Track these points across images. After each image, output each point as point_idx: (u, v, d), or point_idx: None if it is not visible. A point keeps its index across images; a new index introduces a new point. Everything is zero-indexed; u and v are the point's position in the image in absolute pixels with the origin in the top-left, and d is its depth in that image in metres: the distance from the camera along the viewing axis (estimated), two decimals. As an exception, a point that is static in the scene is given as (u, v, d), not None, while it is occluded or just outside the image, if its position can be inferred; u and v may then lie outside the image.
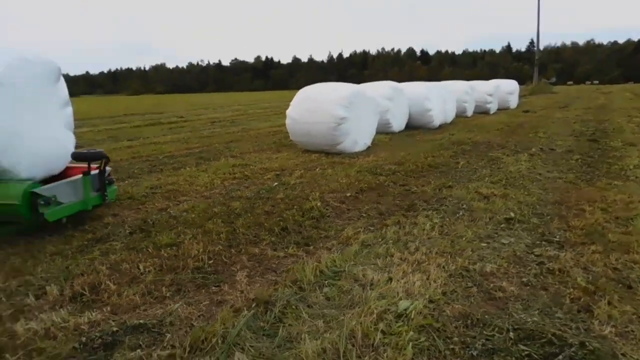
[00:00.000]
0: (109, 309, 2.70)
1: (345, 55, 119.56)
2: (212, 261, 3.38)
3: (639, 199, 4.79)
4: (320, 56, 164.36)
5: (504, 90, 18.67)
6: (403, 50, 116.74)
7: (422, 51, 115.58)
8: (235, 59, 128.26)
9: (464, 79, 19.00)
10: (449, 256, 3.32)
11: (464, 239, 3.68)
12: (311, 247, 3.62)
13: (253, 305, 2.63)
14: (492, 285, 2.93)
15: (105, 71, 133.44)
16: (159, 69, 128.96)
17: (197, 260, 3.37)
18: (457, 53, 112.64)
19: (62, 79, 4.63)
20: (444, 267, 3.14)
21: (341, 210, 4.61)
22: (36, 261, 3.43)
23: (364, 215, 4.42)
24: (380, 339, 2.28)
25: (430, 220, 4.12)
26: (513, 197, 4.88)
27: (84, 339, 2.36)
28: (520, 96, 22.61)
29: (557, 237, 3.79)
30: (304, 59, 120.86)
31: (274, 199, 5.03)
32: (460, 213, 4.36)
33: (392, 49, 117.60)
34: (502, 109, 18.57)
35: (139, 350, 2.25)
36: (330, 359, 2.14)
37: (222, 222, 4.22)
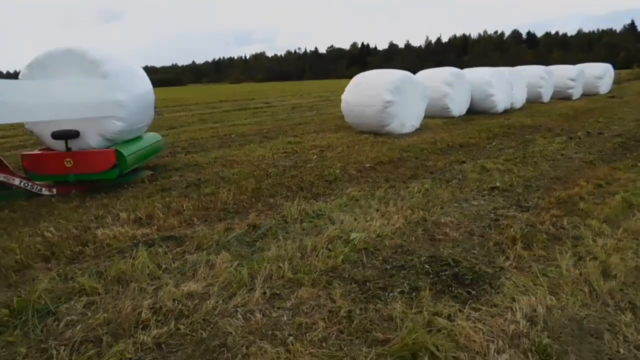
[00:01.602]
0: (155, 227, 3.91)
1: (444, 39, 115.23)
2: (236, 205, 4.48)
3: (642, 177, 5.05)
4: (418, 41, 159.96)
5: (590, 75, 17.73)
6: (507, 33, 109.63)
7: (529, 33, 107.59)
8: (332, 46, 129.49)
9: (575, 62, 18.49)
10: (417, 210, 4.09)
11: (440, 199, 4.40)
12: (313, 200, 4.57)
13: (246, 228, 3.67)
14: (438, 231, 3.67)
15: (210, 61, 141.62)
16: (259, 58, 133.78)
17: (225, 204, 4.49)
18: (569, 34, 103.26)
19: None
20: (406, 217, 3.92)
21: (354, 176, 5.48)
22: (118, 200, 4.78)
23: (370, 180, 5.25)
24: (322, 251, 3.19)
25: (422, 186, 4.85)
26: (514, 172, 5.39)
27: (135, 240, 3.57)
28: (617, 82, 21.12)
29: (529, 203, 4.34)
30: (401, 45, 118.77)
31: (304, 167, 6.03)
32: (453, 181, 5.02)
33: (496, 32, 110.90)
34: (589, 95, 17.67)
35: (165, 248, 3.40)
36: (282, 258, 3.10)
37: (255, 181, 5.32)
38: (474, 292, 2.72)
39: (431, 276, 2.89)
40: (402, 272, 2.98)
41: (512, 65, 16.50)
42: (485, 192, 4.68)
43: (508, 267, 3.06)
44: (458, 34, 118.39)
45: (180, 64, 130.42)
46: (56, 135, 5.15)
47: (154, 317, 2.49)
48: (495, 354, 2.15)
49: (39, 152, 5.37)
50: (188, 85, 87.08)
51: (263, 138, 9.47)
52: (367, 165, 6.00)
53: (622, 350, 2.18)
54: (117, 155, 5.19)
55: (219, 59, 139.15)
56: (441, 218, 3.92)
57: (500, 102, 12.42)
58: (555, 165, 5.74)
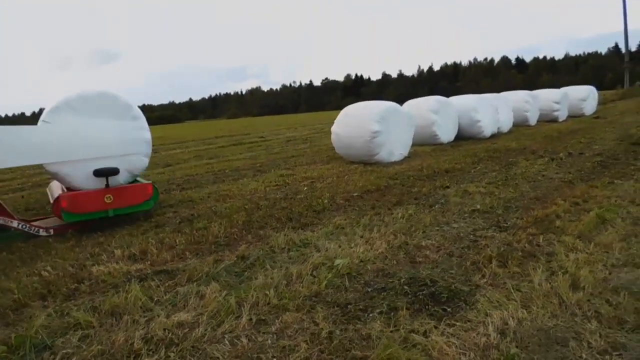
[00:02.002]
0: (148, 262, 4.06)
1: (436, 68, 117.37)
2: (227, 238, 4.64)
3: (620, 194, 5.25)
4: (410, 70, 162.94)
5: (574, 97, 18.22)
6: (497, 59, 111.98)
7: (518, 59, 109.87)
8: (326, 78, 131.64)
9: (563, 85, 19.39)
10: (399, 235, 4.26)
11: (422, 224, 4.58)
12: (301, 230, 4.74)
13: (235, 259, 3.82)
14: (419, 254, 3.84)
15: (206, 97, 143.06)
16: (255, 92, 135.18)
17: (217, 237, 4.66)
18: (557, 58, 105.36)
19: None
20: (389, 242, 4.09)
21: (342, 205, 5.66)
22: (113, 238, 4.94)
23: (357, 209, 5.44)
24: (306, 278, 3.35)
25: (406, 212, 5.04)
26: (495, 194, 5.59)
27: (129, 275, 3.72)
28: (602, 102, 21.63)
29: (508, 223, 4.52)
30: (394, 75, 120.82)
31: (294, 199, 6.22)
32: (436, 206, 5.21)
33: (485, 59, 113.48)
34: (575, 116, 18.10)
35: (158, 282, 3.54)
36: (268, 286, 3.25)
37: (246, 214, 5.50)
38: (449, 310, 2.87)
39: (409, 296, 3.04)
40: (382, 293, 3.13)
41: (503, 90, 17.10)
42: (467, 214, 4.86)
43: (483, 284, 3.21)
44: (449, 62, 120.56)
45: (177, 102, 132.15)
46: (98, 173, 5.46)
47: (146, 347, 2.63)
48: (467, 365, 2.29)
49: (77, 192, 5.50)
50: (185, 122, 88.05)
51: (256, 172, 9.68)
52: (355, 194, 6.20)
53: (584, 355, 2.32)
54: (153, 188, 5.78)
55: (216, 95, 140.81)
56: (422, 241, 4.08)
57: (487, 127, 12.75)
58: (536, 186, 5.95)
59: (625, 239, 3.85)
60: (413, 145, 11.08)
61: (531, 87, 20.16)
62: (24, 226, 5.23)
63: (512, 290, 3.06)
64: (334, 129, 9.89)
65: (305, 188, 7.07)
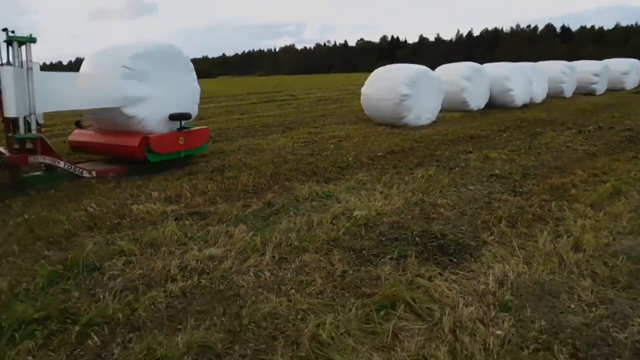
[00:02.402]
0: (182, 205, 4.43)
1: (475, 33, 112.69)
2: (255, 187, 4.97)
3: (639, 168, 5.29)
4: (449, 35, 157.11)
5: (616, 70, 17.56)
6: (540, 27, 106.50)
7: (563, 27, 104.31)
8: (362, 39, 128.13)
9: (611, 57, 18.93)
10: (418, 193, 4.48)
11: (440, 184, 4.78)
12: (325, 183, 5.01)
13: (262, 205, 4.15)
14: (434, 211, 4.07)
15: (240, 53, 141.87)
16: (288, 51, 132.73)
17: (246, 186, 4.99)
18: (606, 28, 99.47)
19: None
20: (406, 199, 4.33)
21: (365, 164, 5.89)
22: (150, 182, 5.33)
23: (379, 167, 5.66)
24: (326, 225, 3.64)
25: (426, 172, 5.23)
26: (516, 161, 5.70)
27: (165, 215, 4.09)
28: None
29: (524, 188, 4.68)
30: (431, 38, 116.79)
31: (320, 155, 6.48)
32: (456, 169, 5.38)
33: (529, 26, 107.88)
34: (615, 90, 17.49)
35: (191, 221, 3.90)
36: (291, 230, 3.56)
37: (273, 166, 5.80)
38: (455, 260, 3.13)
39: (419, 246, 3.30)
40: (395, 243, 3.40)
41: (543, 59, 16.55)
42: (484, 178, 5.03)
43: (491, 241, 3.44)
44: (490, 28, 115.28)
45: (210, 57, 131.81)
46: (174, 117, 6.12)
47: (181, 273, 2.99)
48: (464, 306, 2.55)
49: (160, 135, 6.05)
50: (218, 77, 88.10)
51: (285, 129, 9.94)
52: (379, 154, 6.40)
53: (572, 306, 2.56)
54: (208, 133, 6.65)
55: (249, 51, 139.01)
56: (438, 200, 4.31)
57: (519, 96, 12.55)
58: (558, 156, 6.02)
59: (637, 210, 3.98)
60: (442, 110, 11.08)
61: (575, 58, 19.38)
62: (69, 167, 5.66)
63: (517, 248, 3.28)
64: (364, 90, 9.98)
65: (332, 146, 7.30)
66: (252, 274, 2.99)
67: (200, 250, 3.34)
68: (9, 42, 5.02)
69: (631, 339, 2.27)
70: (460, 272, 2.95)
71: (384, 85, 9.47)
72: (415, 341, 2.27)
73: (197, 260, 3.16)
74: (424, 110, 9.55)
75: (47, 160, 5.56)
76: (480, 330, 2.32)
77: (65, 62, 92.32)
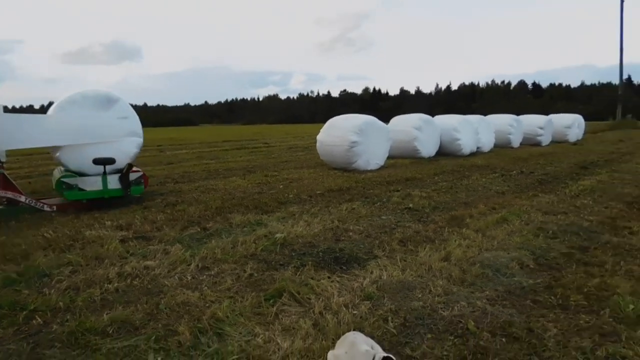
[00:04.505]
0: (132, 231, 5.10)
1: (454, 87, 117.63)
2: (199, 218, 5.67)
3: (535, 204, 6.19)
4: (428, 88, 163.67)
5: (559, 124, 19.18)
6: (514, 83, 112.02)
7: (534, 84, 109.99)
8: (345, 90, 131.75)
9: (577, 113, 21.53)
10: (336, 221, 5.26)
11: (358, 215, 5.57)
12: (261, 214, 5.75)
13: (199, 230, 4.86)
14: (344, 234, 4.83)
15: (223, 101, 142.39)
16: (272, 100, 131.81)
17: (191, 217, 5.69)
18: (572, 86, 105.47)
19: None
20: (324, 225, 5.09)
21: (304, 200, 6.68)
22: (106, 214, 5.98)
23: (313, 202, 6.44)
24: (249, 244, 4.36)
25: (350, 206, 6.03)
26: (433, 198, 6.56)
27: (117, 240, 4.76)
28: (592, 131, 22.50)
29: (429, 218, 5.49)
30: (412, 91, 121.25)
31: (267, 193, 7.25)
32: (378, 203, 6.20)
33: (503, 81, 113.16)
34: (559, 142, 18.98)
35: (136, 242, 4.57)
36: (218, 247, 4.26)
37: (221, 201, 6.53)
38: (345, 268, 3.86)
39: (319, 258, 4.04)
40: (302, 256, 4.13)
41: (518, 113, 18.82)
42: (399, 211, 5.84)
43: (381, 255, 4.19)
44: (467, 82, 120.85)
45: (192, 104, 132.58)
46: (97, 162, 6.42)
47: (118, 277, 3.65)
48: (337, 297, 3.27)
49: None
50: (200, 125, 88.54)
51: (246, 172, 10.72)
52: (318, 192, 7.21)
53: (420, 295, 3.30)
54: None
55: (232, 99, 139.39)
56: (351, 226, 5.08)
57: (466, 145, 13.71)
58: (471, 195, 6.91)
59: (510, 233, 4.81)
60: (396, 157, 12.11)
61: (546, 112, 21.64)
62: (30, 201, 6.24)
63: (399, 260, 4.04)
64: (319, 137, 10.94)
65: (281, 186, 8.09)
66: (176, 277, 3.67)
67: (138, 262, 4.01)
68: None
69: (451, 314, 3.01)
70: (345, 276, 3.69)
71: (336, 133, 10.45)
72: (290, 319, 2.96)
73: (133, 268, 3.83)
74: (372, 156, 10.50)
75: (9, 194, 6.14)
76: (342, 311, 3.03)
77: (37, 106, 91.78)
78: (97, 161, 6.47)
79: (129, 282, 3.56)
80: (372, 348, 2.25)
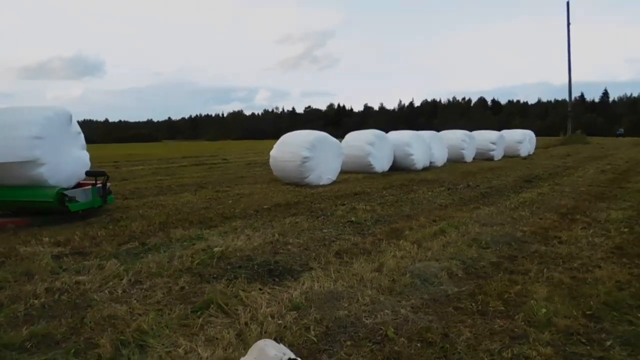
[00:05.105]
0: (69, 247, 5.02)
1: (417, 104, 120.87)
2: (141, 233, 5.64)
3: (474, 216, 6.47)
4: (392, 104, 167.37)
5: (511, 139, 20.06)
6: (474, 100, 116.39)
7: (494, 100, 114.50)
8: (309, 106, 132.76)
9: (533, 128, 22.96)
10: (277, 234, 5.34)
11: (300, 228, 5.68)
12: (204, 229, 5.77)
13: (137, 245, 4.84)
14: (283, 247, 4.92)
15: (187, 117, 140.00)
16: (236, 116, 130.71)
17: (133, 232, 5.65)
18: (530, 103, 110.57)
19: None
20: (265, 239, 5.17)
21: (249, 214, 6.73)
22: (46, 230, 5.85)
23: (259, 217, 6.52)
24: (186, 257, 4.38)
25: (294, 220, 6.14)
26: (377, 211, 6.76)
27: (50, 255, 4.67)
28: (545, 146, 23.62)
29: (369, 232, 5.66)
30: (376, 107, 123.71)
31: (214, 208, 7.26)
32: (321, 217, 6.33)
33: (463, 98, 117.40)
34: (511, 156, 19.82)
35: (71, 258, 4.51)
36: (154, 262, 4.27)
37: (166, 217, 6.50)
38: (277, 280, 3.94)
39: (253, 271, 4.11)
40: (237, 269, 4.18)
41: (477, 128, 19.78)
42: (341, 224, 5.99)
43: (316, 267, 4.30)
44: (429, 99, 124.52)
45: (155, 120, 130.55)
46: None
47: (46, 293, 3.60)
48: (265, 308, 3.35)
49: None
50: (163, 141, 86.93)
51: (199, 188, 10.66)
52: (265, 206, 7.28)
53: (346, 305, 3.42)
54: None
55: (196, 115, 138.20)
56: (291, 240, 5.18)
57: (419, 160, 14.13)
58: (415, 208, 7.16)
59: (445, 245, 5.03)
60: (350, 172, 12.33)
61: (503, 128, 23.08)
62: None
63: (333, 272, 4.15)
64: (272, 153, 11.04)
65: (230, 201, 8.12)
66: (107, 292, 3.66)
67: (70, 277, 3.96)
68: None
69: (374, 322, 3.14)
70: (277, 288, 3.77)
71: (288, 149, 10.58)
72: (215, 329, 3.02)
73: (63, 284, 3.78)
74: (324, 171, 10.68)
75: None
76: (267, 321, 3.11)
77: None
78: (89, 173, 6.85)
79: (57, 297, 3.52)
80: (283, 354, 2.34)
